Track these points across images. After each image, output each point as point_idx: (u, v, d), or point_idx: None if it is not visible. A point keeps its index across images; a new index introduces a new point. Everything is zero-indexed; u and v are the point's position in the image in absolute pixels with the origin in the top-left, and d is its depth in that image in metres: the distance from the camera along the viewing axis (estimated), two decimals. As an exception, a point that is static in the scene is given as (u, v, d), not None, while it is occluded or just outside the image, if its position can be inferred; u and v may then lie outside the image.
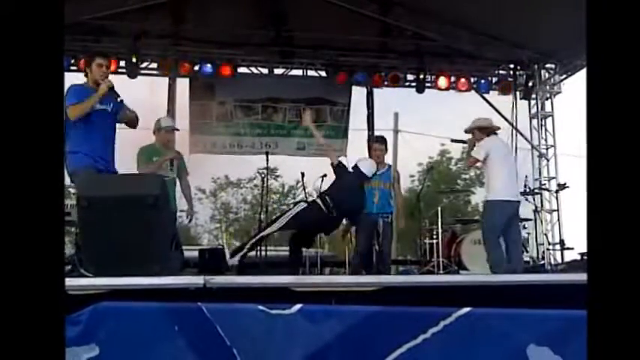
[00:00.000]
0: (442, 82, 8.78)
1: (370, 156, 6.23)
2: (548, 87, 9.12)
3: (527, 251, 7.54)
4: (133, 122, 4.39)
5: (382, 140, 6.29)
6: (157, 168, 5.27)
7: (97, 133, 4.09)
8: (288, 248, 5.71)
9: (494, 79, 9.06)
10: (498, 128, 5.80)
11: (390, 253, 6.65)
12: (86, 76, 4.27)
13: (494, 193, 5.36)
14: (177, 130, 5.99)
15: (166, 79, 8.76)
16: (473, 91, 8.97)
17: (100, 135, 4.12)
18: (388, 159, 6.47)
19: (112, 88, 4.12)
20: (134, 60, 8.01)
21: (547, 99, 9.15)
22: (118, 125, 4.36)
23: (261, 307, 2.32)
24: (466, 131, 5.67)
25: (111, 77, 4.36)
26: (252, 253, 5.86)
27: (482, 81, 8.92)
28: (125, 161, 4.76)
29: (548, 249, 8.17)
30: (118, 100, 4.18)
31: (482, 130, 5.51)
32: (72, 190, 4.47)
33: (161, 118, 5.79)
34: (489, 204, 5.43)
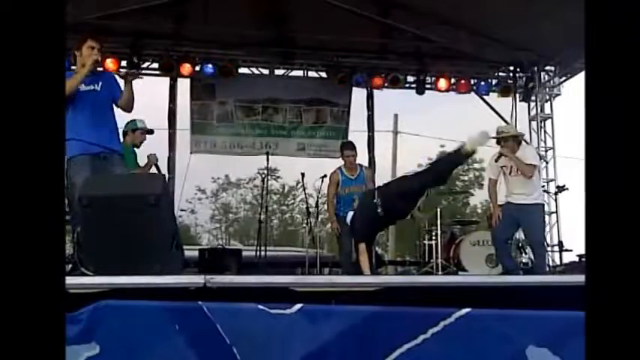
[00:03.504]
0: (442, 83, 8.80)
1: (344, 163, 6.34)
2: (547, 89, 9.14)
3: (525, 253, 7.57)
4: (128, 103, 4.09)
5: (352, 146, 6.44)
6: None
7: (87, 116, 3.90)
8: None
9: (494, 81, 9.07)
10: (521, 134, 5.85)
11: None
12: (74, 61, 4.07)
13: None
14: (152, 132, 5.81)
15: (167, 80, 8.78)
16: (472, 93, 9.00)
17: (91, 117, 3.92)
18: (388, 160, 6.57)
19: (98, 62, 3.96)
20: (135, 60, 8.03)
21: (546, 101, 9.18)
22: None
23: (261, 307, 2.32)
24: (500, 140, 5.55)
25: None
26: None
27: (482, 83, 8.95)
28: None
29: (547, 250, 8.18)
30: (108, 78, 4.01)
31: (515, 139, 5.50)
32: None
33: (137, 120, 5.60)
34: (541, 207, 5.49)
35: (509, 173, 5.43)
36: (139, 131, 5.56)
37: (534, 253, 5.56)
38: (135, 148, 5.59)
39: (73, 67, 4.10)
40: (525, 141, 5.76)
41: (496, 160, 5.48)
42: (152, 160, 5.54)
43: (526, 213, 5.32)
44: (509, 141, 5.41)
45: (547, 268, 5.27)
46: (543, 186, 8.62)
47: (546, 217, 8.59)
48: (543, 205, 5.55)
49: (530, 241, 5.79)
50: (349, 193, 6.18)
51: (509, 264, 5.41)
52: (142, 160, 5.66)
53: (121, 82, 4.10)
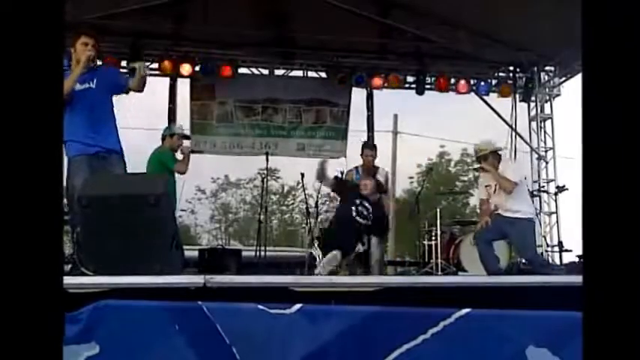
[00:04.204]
0: (442, 83, 8.80)
1: (362, 162, 6.36)
2: (547, 89, 9.14)
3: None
4: (139, 85, 3.99)
5: (373, 146, 6.46)
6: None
7: (83, 115, 3.85)
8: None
9: (494, 82, 9.08)
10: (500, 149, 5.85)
11: (383, 253, 6.82)
12: (70, 60, 4.00)
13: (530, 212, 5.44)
14: (189, 137, 6.31)
15: (167, 79, 8.78)
16: (472, 93, 9.00)
17: (88, 117, 3.87)
18: (387, 160, 6.58)
19: (93, 59, 3.92)
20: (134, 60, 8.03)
21: (546, 101, 9.18)
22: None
23: (261, 307, 2.33)
24: (479, 158, 5.56)
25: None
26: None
27: (482, 83, 8.94)
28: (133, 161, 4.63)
29: (546, 251, 8.19)
30: (106, 71, 4.02)
31: (495, 155, 5.46)
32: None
33: (174, 125, 6.30)
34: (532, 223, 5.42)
35: (494, 192, 5.39)
36: (175, 136, 5.93)
37: (533, 268, 5.50)
38: (174, 152, 5.92)
39: (69, 65, 4.06)
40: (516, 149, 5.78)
41: (481, 173, 5.51)
42: (186, 151, 5.86)
43: (514, 226, 5.24)
44: (489, 158, 5.40)
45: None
46: (543, 186, 8.64)
47: (545, 217, 8.60)
48: (534, 221, 5.41)
49: (524, 258, 5.75)
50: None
51: (493, 265, 5.29)
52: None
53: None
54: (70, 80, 3.82)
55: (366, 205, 5.60)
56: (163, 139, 5.92)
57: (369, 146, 6.51)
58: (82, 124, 3.86)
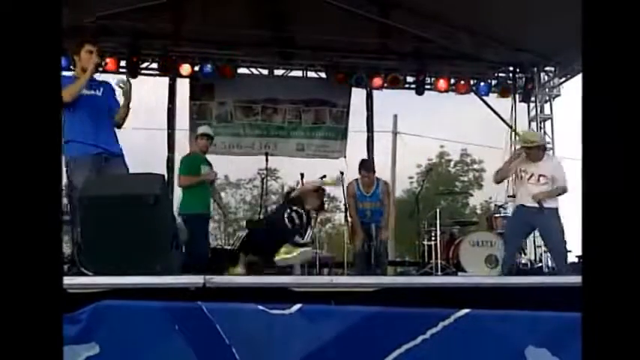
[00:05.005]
0: (442, 84, 8.81)
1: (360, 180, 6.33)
2: (547, 90, 9.15)
3: (525, 254, 7.57)
4: (120, 118, 4.13)
5: (368, 168, 6.36)
6: (201, 180, 5.88)
7: (88, 118, 3.93)
8: None
9: (494, 82, 9.08)
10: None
11: (387, 253, 6.80)
12: (74, 66, 4.09)
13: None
14: (212, 137, 6.38)
15: (167, 79, 8.78)
16: (472, 94, 9.00)
17: (92, 120, 3.95)
18: (387, 161, 6.58)
19: (100, 65, 4.08)
20: (134, 60, 8.03)
21: (546, 102, 9.18)
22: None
23: (260, 307, 2.33)
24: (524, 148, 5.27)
25: (111, 77, 4.34)
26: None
27: (482, 83, 8.95)
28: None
29: (545, 251, 8.18)
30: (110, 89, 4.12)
31: (542, 148, 5.21)
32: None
33: (199, 127, 6.53)
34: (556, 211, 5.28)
35: (528, 179, 5.15)
36: (198, 138, 6.16)
37: (555, 260, 5.40)
38: (203, 154, 6.12)
39: (72, 71, 4.11)
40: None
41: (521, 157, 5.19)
42: (210, 175, 6.01)
43: (542, 217, 5.06)
44: (533, 149, 5.11)
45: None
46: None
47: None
48: (558, 209, 5.25)
49: (550, 249, 5.63)
50: (362, 208, 6.22)
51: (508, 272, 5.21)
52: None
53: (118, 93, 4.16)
54: (77, 86, 3.89)
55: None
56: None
57: (366, 167, 6.33)
58: (85, 126, 3.92)
